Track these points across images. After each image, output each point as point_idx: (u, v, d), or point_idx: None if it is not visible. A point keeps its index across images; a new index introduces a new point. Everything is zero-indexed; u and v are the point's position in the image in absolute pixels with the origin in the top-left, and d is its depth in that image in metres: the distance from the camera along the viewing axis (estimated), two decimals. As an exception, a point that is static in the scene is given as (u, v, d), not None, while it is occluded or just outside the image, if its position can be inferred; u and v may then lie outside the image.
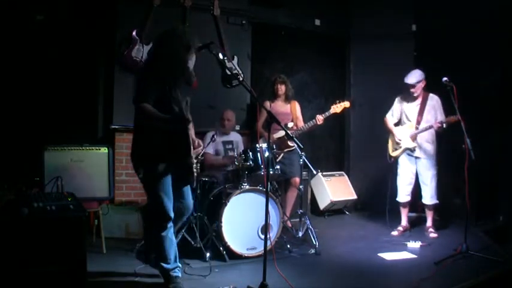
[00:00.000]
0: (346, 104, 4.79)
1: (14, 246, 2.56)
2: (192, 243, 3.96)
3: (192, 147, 3.03)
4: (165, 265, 3.11)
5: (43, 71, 4.53)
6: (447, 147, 4.93)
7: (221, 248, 3.88)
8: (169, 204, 3.04)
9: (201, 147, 3.16)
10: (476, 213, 5.08)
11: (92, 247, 3.94)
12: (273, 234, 4.02)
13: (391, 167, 4.97)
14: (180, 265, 3.22)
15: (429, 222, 4.90)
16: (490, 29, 5.16)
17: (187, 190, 3.24)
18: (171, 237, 3.12)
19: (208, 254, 3.84)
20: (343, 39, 6.53)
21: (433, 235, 4.76)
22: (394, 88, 5.63)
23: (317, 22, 6.30)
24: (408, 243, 4.43)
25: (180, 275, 3.18)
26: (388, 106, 5.01)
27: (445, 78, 4.10)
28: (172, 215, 3.06)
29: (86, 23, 4.73)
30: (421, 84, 4.69)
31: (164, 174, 3.00)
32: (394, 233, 4.88)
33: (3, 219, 2.63)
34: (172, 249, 3.13)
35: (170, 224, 3.09)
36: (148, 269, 3.42)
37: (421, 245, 4.39)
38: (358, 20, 6.41)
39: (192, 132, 3.13)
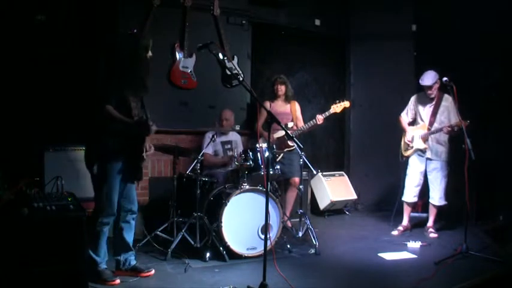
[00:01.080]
0: (346, 103, 4.79)
1: (14, 246, 2.56)
2: (192, 243, 3.97)
3: (144, 150, 3.27)
4: (95, 256, 3.27)
5: (43, 71, 4.53)
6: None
7: (221, 248, 3.88)
8: (116, 202, 3.28)
9: (152, 151, 3.40)
10: (476, 213, 5.09)
11: (92, 247, 3.94)
12: (273, 234, 4.02)
13: (402, 166, 4.94)
14: (106, 258, 3.37)
15: (430, 222, 4.90)
16: (490, 29, 5.16)
17: (133, 187, 3.44)
18: (106, 233, 3.32)
19: (208, 254, 3.84)
20: (343, 39, 6.52)
21: (433, 235, 4.76)
22: (394, 88, 5.65)
23: (317, 22, 6.30)
24: (408, 243, 4.44)
25: (106, 266, 3.33)
26: (389, 106, 5.02)
27: (445, 78, 4.10)
28: (115, 212, 3.30)
29: (86, 23, 4.73)
30: (437, 85, 4.64)
31: (116, 173, 3.23)
32: (394, 232, 4.88)
33: (3, 219, 2.62)
34: (105, 244, 3.33)
35: (112, 221, 3.33)
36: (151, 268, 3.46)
37: (421, 245, 4.39)
38: (358, 20, 6.40)
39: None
